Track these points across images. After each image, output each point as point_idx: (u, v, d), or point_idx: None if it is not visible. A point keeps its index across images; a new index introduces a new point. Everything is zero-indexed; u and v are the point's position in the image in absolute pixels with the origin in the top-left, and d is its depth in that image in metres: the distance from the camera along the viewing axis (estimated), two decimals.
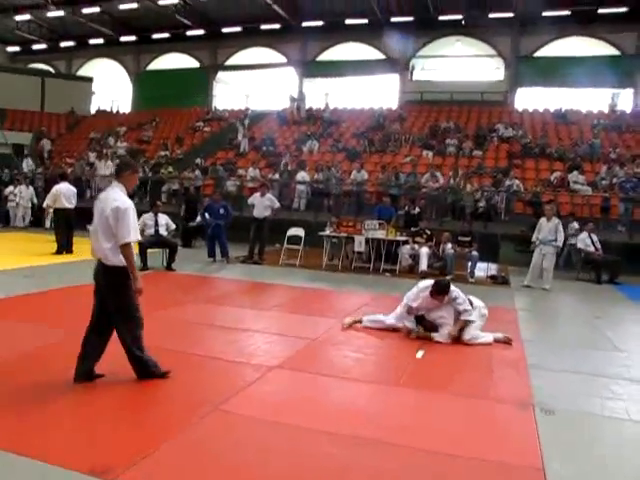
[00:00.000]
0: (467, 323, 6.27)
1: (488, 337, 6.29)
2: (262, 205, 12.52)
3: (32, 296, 7.74)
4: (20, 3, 26.13)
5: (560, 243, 10.92)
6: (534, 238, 11.11)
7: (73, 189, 12.82)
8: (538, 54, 25.11)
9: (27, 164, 21.82)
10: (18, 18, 28.23)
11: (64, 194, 12.36)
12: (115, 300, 4.39)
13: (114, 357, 4.53)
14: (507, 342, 6.29)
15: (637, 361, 6.03)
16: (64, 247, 12.18)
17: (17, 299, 7.47)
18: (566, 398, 4.66)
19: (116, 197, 4.34)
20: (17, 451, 3.25)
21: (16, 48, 32.66)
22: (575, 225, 13.00)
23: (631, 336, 7.69)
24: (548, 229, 10.88)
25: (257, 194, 12.77)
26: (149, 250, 10.71)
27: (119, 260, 4.30)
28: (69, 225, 12.40)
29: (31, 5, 26.19)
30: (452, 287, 6.41)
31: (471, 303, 6.39)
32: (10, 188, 18.43)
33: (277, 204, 12.87)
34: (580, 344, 6.71)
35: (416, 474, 3.32)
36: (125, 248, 4.27)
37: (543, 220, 11.07)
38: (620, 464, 3.57)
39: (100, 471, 3.06)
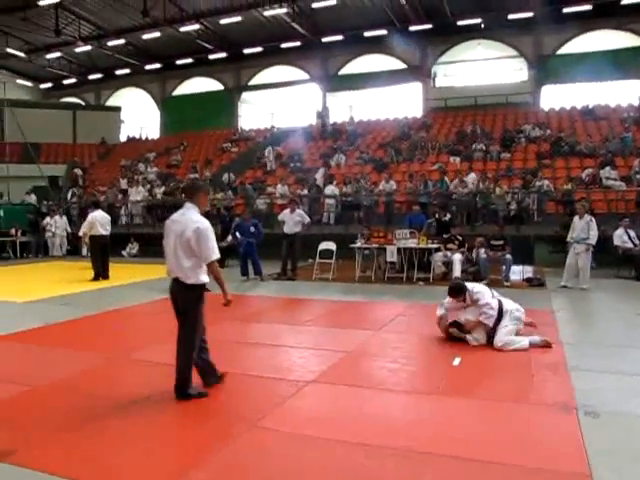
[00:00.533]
0: (487, 326, 6.20)
1: (523, 342, 6.11)
2: (292, 221, 12.59)
3: (70, 323, 7.91)
4: (51, 42, 27.07)
5: (593, 241, 10.69)
6: (569, 238, 10.94)
7: (107, 216, 13.12)
8: (561, 51, 24.79)
9: (71, 194, 22.45)
10: (49, 56, 29.37)
11: (99, 221, 12.65)
12: (190, 313, 4.63)
13: (154, 377, 4.61)
14: (546, 345, 6.13)
15: None
16: (100, 273, 12.45)
17: (56, 327, 7.65)
18: (610, 400, 4.53)
19: (194, 218, 4.56)
20: (64, 475, 3.32)
21: (48, 84, 33.95)
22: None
23: None
24: (580, 227, 10.72)
25: (287, 210, 12.86)
26: None
27: (197, 279, 4.57)
28: (105, 251, 12.70)
29: (61, 43, 27.12)
30: (477, 288, 6.36)
31: (501, 306, 6.29)
32: (47, 219, 18.98)
33: (307, 219, 12.94)
34: (622, 344, 6.53)
35: None
36: (212, 266, 4.58)
37: (576, 218, 10.92)
38: None
39: None
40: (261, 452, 3.72)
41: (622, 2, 21.86)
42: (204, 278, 4.64)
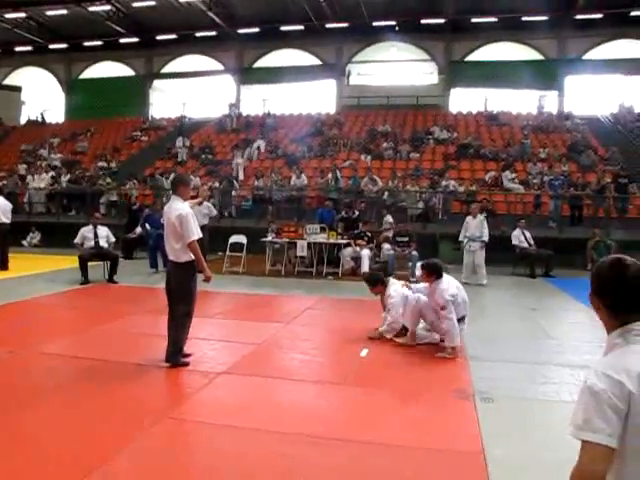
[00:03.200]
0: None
1: (434, 337, 6.37)
2: (200, 214, 12.46)
3: None
4: None
5: (486, 238, 11.47)
6: (461, 237, 11.74)
7: (9, 204, 12.45)
8: (469, 58, 25.96)
9: None
10: None
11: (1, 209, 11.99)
12: (182, 286, 5.36)
13: (63, 370, 4.46)
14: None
15: (567, 347, 6.36)
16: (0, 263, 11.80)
17: None
18: (504, 386, 4.89)
19: (177, 207, 5.35)
20: None
21: None
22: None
23: (563, 325, 8.12)
24: (475, 226, 11.47)
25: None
26: (89, 262, 10.51)
27: (186, 257, 5.31)
28: (5, 240, 12.00)
29: None
30: (394, 289, 6.59)
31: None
32: None
33: (214, 212, 12.96)
34: (516, 334, 7.03)
35: (363, 466, 3.44)
36: (191, 245, 5.28)
37: (469, 218, 11.72)
38: (553, 443, 3.78)
39: None
40: (175, 441, 3.75)
41: (523, 18, 23.32)
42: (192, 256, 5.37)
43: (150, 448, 3.57)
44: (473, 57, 25.91)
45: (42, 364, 5.28)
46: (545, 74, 23.99)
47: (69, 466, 3.29)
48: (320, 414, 4.25)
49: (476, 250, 11.40)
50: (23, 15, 25.65)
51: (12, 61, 30.92)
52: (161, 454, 3.52)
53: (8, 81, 31.29)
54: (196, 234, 5.32)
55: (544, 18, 23.15)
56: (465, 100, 25.52)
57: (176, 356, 5.32)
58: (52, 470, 3.20)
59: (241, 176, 18.92)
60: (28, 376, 4.87)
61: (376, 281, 6.80)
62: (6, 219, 12.06)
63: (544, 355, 6.00)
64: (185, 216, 5.27)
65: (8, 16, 25.43)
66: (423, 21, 24.02)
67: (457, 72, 25.66)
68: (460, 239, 11.77)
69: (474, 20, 23.60)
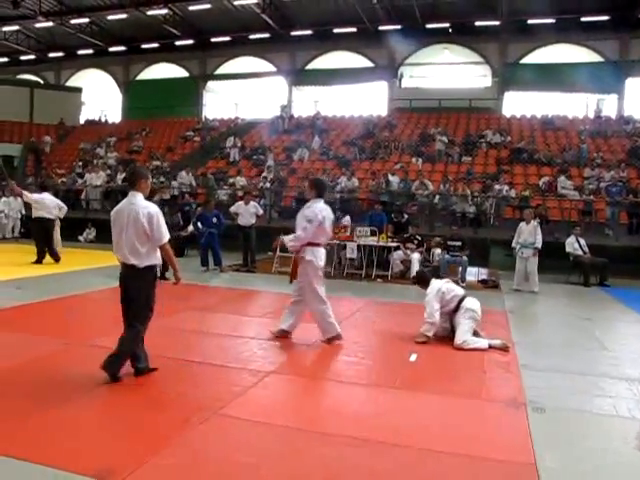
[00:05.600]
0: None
1: (483, 343, 6.29)
2: (247, 213, 12.67)
3: (26, 307, 7.76)
4: (7, 14, 26.08)
5: (539, 244, 11.16)
6: (514, 243, 11.45)
7: (55, 200, 13.02)
8: (525, 61, 25.42)
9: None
10: (6, 29, 28.26)
11: (45, 204, 12.48)
12: (144, 294, 4.82)
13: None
14: (504, 349, 6.22)
15: (624, 360, 6.16)
16: (43, 257, 12.27)
17: (11, 310, 7.50)
18: (557, 397, 4.78)
19: (143, 204, 4.78)
20: (20, 456, 3.33)
21: (4, 59, 32.54)
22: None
23: (618, 336, 7.84)
24: (528, 232, 11.19)
25: (241, 202, 12.98)
26: None
27: (151, 261, 4.78)
28: (48, 235, 12.48)
29: (19, 16, 26.13)
30: (432, 286, 6.64)
31: (461, 302, 6.51)
32: (4, 199, 18.41)
33: (261, 211, 13.24)
34: (569, 345, 6.84)
35: (409, 472, 3.42)
36: (164, 247, 4.83)
37: (522, 224, 11.43)
38: (607, 457, 3.69)
39: (104, 475, 3.13)
40: (222, 439, 3.78)
41: (582, 19, 22.65)
42: (156, 260, 4.87)
43: (198, 445, 3.63)
44: (528, 59, 25.35)
45: (95, 357, 5.42)
46: (604, 77, 23.14)
47: (117, 458, 3.38)
48: (369, 417, 4.24)
49: (529, 257, 11.13)
50: (86, 20, 26.71)
51: (74, 64, 32.19)
52: (208, 451, 3.57)
53: (70, 83, 32.57)
54: (167, 234, 4.83)
55: (604, 18, 22.45)
56: (519, 103, 25.01)
57: (114, 365, 4.66)
58: (101, 463, 3.29)
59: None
60: (82, 368, 5.02)
61: (426, 281, 6.85)
62: (49, 215, 12.47)
63: (599, 367, 5.83)
64: (155, 214, 4.73)
65: (73, 22, 26.55)
66: (478, 23, 23.63)
67: (511, 75, 25.13)
68: (513, 245, 11.53)
69: (530, 21, 23.06)
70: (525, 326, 8.06)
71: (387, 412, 4.41)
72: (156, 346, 5.43)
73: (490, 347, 6.25)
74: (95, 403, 4.32)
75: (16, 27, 28.19)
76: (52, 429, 3.77)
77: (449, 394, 4.84)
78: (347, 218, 13.66)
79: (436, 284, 6.71)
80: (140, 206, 4.72)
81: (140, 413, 4.22)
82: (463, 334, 6.31)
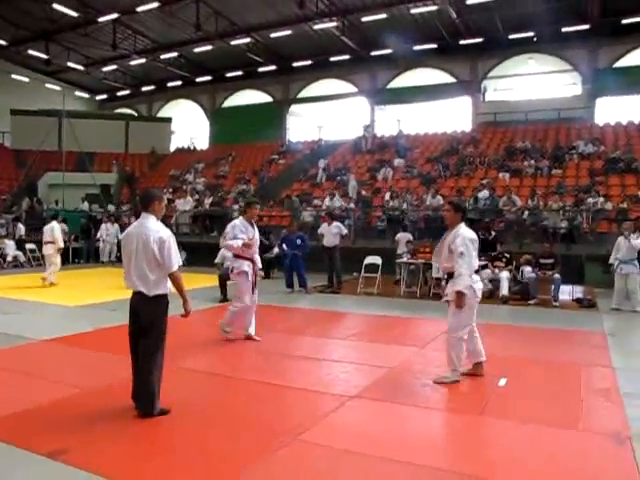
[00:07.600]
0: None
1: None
2: (330, 233, 12.67)
3: (118, 328, 7.99)
4: (108, 55, 28.06)
5: None
6: (612, 259, 10.65)
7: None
8: (617, 65, 24.11)
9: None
10: (106, 69, 30.50)
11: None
12: (155, 324, 4.51)
13: (198, 386, 4.64)
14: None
15: None
16: None
17: (105, 331, 7.84)
18: None
19: (156, 228, 4.50)
20: (109, 475, 3.41)
21: (103, 96, 35.18)
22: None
23: None
24: (627, 247, 10.36)
25: (325, 223, 12.99)
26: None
27: (160, 290, 4.49)
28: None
29: (117, 56, 28.13)
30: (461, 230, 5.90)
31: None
32: (103, 226, 19.55)
33: (345, 230, 13.11)
34: None
35: None
36: (174, 275, 4.50)
37: (621, 239, 10.56)
38: None
39: None
40: (301, 466, 3.70)
41: None
42: (166, 289, 4.56)
43: (276, 469, 3.57)
44: (622, 63, 24.02)
45: (180, 378, 5.53)
46: None
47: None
48: (456, 447, 4.04)
49: (629, 273, 10.37)
50: (175, 54, 28.24)
51: (165, 95, 34.05)
52: (285, 477, 3.50)
53: (161, 114, 34.43)
54: (178, 261, 4.56)
55: None
56: (613, 110, 23.71)
57: (153, 403, 4.45)
58: None
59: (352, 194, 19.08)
60: (166, 389, 5.12)
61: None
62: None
63: None
64: (167, 240, 4.44)
65: (163, 57, 28.18)
66: (564, 29, 22.65)
67: (603, 80, 23.80)
68: (611, 261, 10.76)
69: (625, 21, 21.72)
70: (627, 350, 7.45)
71: (474, 441, 4.19)
72: (237, 369, 5.47)
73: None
74: (176, 424, 4.36)
75: (114, 66, 30.38)
76: (134, 451, 3.85)
77: (541, 423, 4.50)
78: None
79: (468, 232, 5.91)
80: (152, 230, 4.45)
81: (220, 435, 4.20)
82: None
